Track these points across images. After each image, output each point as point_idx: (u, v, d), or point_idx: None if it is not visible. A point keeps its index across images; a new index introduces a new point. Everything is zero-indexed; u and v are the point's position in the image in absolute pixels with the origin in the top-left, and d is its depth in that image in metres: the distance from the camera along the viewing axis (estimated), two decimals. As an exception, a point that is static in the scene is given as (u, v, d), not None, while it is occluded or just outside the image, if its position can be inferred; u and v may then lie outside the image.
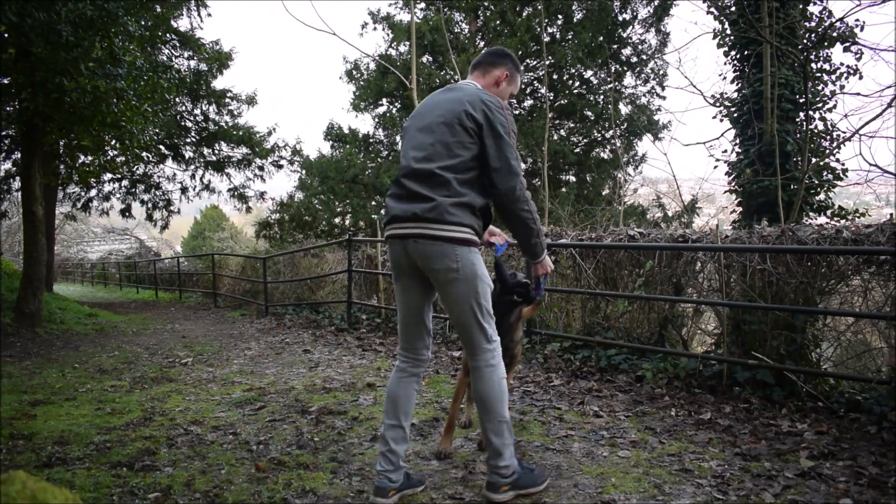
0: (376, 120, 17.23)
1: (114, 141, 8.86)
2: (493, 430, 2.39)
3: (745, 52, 9.98)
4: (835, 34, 8.68)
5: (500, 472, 2.41)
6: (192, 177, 16.96)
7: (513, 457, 2.44)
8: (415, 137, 2.45)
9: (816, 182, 9.59)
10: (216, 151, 16.80)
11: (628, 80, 16.52)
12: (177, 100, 14.51)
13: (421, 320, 2.53)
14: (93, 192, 16.18)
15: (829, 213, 9.41)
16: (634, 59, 16.22)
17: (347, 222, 17.25)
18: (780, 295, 4.12)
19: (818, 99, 9.60)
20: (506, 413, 2.40)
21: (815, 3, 9.64)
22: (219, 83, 16.34)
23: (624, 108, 16.20)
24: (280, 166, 17.48)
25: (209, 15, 14.96)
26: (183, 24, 14.65)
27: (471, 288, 2.36)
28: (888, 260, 3.72)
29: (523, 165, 2.08)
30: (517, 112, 16.08)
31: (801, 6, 9.55)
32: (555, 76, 16.18)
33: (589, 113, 16.26)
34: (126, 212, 17.02)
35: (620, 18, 15.74)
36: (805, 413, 3.57)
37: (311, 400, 4.13)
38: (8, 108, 8.44)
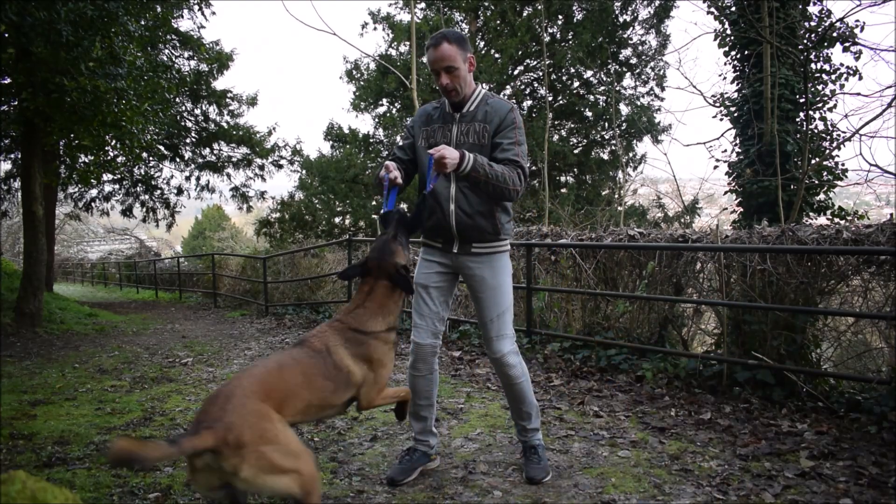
0: (376, 120, 17.24)
1: (114, 141, 8.84)
2: None
3: (745, 52, 9.99)
4: (835, 34, 8.70)
5: None
6: (189, 178, 16.95)
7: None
8: None
9: (816, 182, 9.60)
10: (215, 151, 16.80)
11: (628, 80, 16.53)
12: (177, 100, 14.50)
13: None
14: (93, 192, 16.17)
15: (829, 213, 9.41)
16: (634, 61, 16.22)
17: (347, 222, 17.25)
18: (781, 295, 4.11)
19: (818, 99, 9.60)
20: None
21: (815, 3, 9.64)
22: (219, 83, 16.38)
23: (624, 109, 16.21)
24: (280, 166, 17.49)
25: (213, 13, 14.98)
26: (184, 24, 14.68)
27: None
28: (888, 260, 3.72)
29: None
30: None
31: (801, 6, 9.55)
32: (554, 76, 16.17)
33: (589, 113, 16.25)
34: (127, 212, 17.01)
35: (621, 20, 15.73)
36: (805, 413, 3.56)
37: (311, 400, 4.12)
38: (8, 108, 8.43)
